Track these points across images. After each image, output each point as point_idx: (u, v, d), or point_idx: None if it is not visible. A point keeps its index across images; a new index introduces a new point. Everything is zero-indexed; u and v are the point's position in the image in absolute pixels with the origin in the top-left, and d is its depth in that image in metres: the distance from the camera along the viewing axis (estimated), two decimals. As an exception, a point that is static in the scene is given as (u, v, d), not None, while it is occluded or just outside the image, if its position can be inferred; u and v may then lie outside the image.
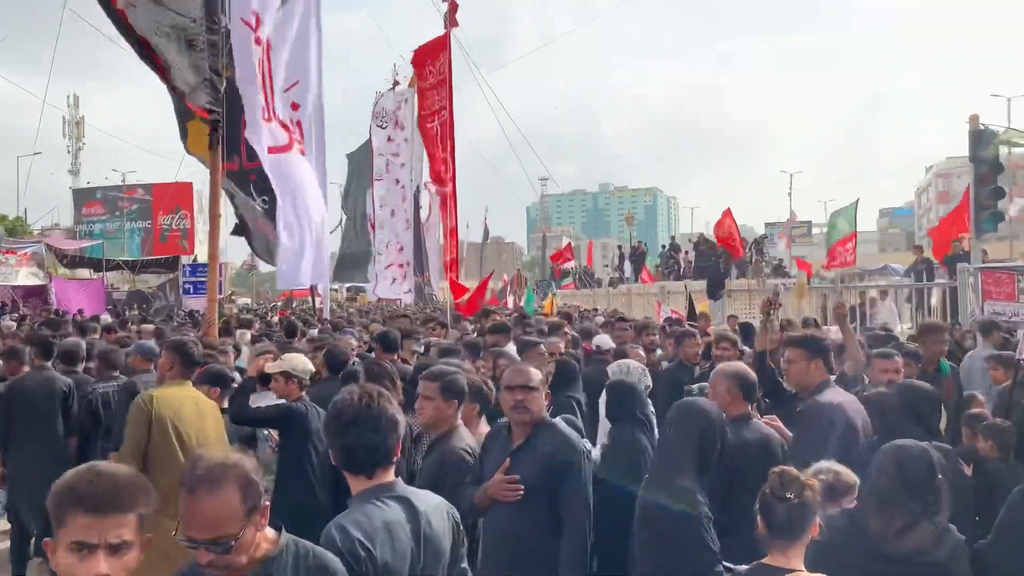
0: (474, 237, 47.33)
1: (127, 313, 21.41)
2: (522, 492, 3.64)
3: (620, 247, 42.48)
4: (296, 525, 2.51)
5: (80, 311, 21.56)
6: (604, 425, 5.48)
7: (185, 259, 31.16)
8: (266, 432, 5.98)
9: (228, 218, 12.33)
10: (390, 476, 2.73)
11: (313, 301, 19.44)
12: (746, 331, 9.43)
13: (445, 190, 15.60)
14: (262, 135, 8.64)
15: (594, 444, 5.21)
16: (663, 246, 34.30)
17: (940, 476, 3.12)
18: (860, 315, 13.17)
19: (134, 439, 4.59)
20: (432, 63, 16.50)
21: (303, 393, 5.33)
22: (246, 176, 11.41)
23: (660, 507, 3.43)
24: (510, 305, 26.71)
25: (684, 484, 3.43)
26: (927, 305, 13.76)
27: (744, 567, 2.91)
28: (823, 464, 3.36)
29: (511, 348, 7.39)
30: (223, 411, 5.29)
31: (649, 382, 5.93)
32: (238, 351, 8.53)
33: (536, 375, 3.90)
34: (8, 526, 6.90)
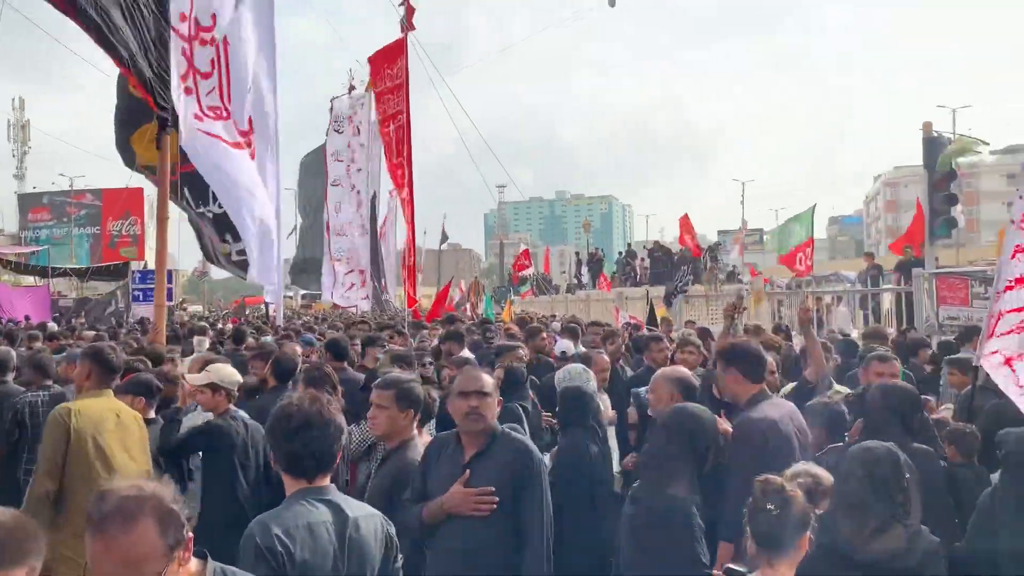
0: (431, 244, 47.11)
1: (74, 321, 20.82)
2: (496, 504, 3.44)
3: (577, 254, 42.58)
4: (224, 549, 2.40)
5: (27, 317, 20.98)
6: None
7: (135, 265, 30.48)
8: None
9: (176, 223, 12.05)
10: (326, 481, 2.78)
11: (266, 308, 19.09)
12: (703, 337, 9.38)
13: (402, 196, 15.43)
14: (215, 131, 8.52)
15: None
16: (620, 253, 34.50)
17: (908, 476, 3.09)
18: (816, 321, 13.27)
19: (50, 456, 4.26)
20: (389, 67, 16.34)
21: (231, 405, 5.04)
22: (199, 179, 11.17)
23: (651, 517, 3.31)
24: (468, 312, 26.58)
25: (676, 492, 3.32)
26: (879, 311, 13.93)
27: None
28: (800, 467, 3.29)
29: (466, 355, 7.26)
30: (148, 422, 4.97)
31: (594, 385, 5.82)
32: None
33: (490, 381, 3.72)
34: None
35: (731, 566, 2.88)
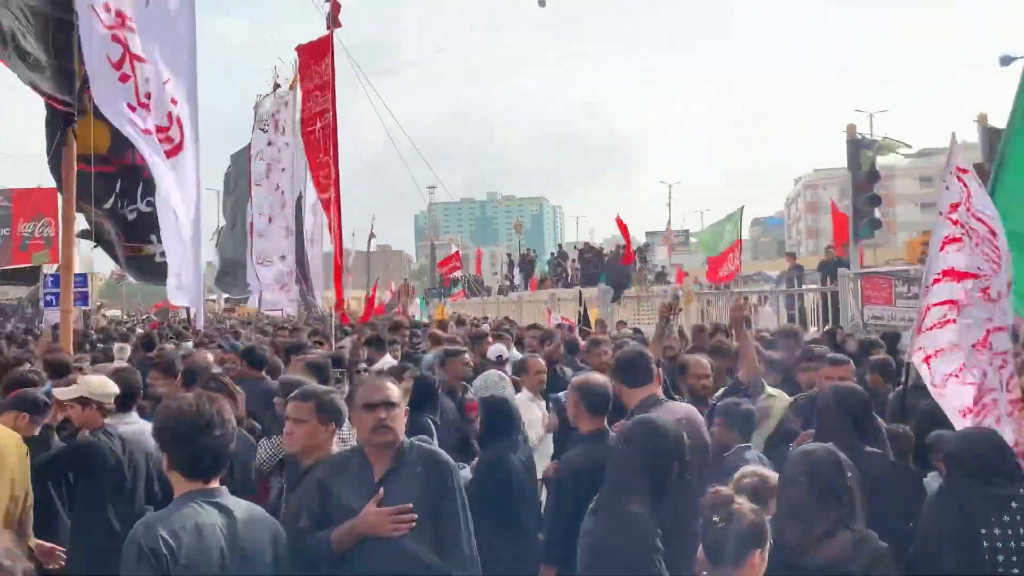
0: (360, 246, 46.48)
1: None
2: (415, 521, 3.20)
3: (509, 255, 42.53)
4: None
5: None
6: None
7: (47, 269, 29.13)
8: None
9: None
10: (217, 483, 2.78)
11: (188, 312, 18.43)
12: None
13: (327, 196, 15.11)
14: (126, 125, 8.20)
15: None
16: (552, 254, 34.55)
17: (849, 475, 3.04)
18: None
19: None
20: (317, 64, 16.00)
21: (106, 420, 4.63)
22: (116, 177, 10.67)
23: (609, 532, 3.14)
24: (401, 314, 26.24)
25: (634, 509, 3.15)
26: (804, 310, 14.19)
27: None
28: (748, 468, 3.21)
29: (387, 360, 7.05)
30: (29, 441, 4.43)
31: (512, 391, 5.64)
32: None
33: (396, 390, 3.46)
34: None
35: None
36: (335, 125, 15.41)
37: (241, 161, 24.27)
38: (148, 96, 8.61)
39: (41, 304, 24.38)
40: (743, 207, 13.26)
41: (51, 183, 11.26)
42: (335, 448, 3.73)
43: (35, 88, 7.78)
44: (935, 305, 4.64)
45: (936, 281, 4.66)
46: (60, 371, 6.04)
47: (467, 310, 30.35)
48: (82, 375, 4.93)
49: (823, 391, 4.63)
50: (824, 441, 3.39)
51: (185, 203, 9.21)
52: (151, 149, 8.56)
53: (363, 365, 6.69)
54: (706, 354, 6.32)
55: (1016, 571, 3.29)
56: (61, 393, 4.65)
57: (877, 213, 12.01)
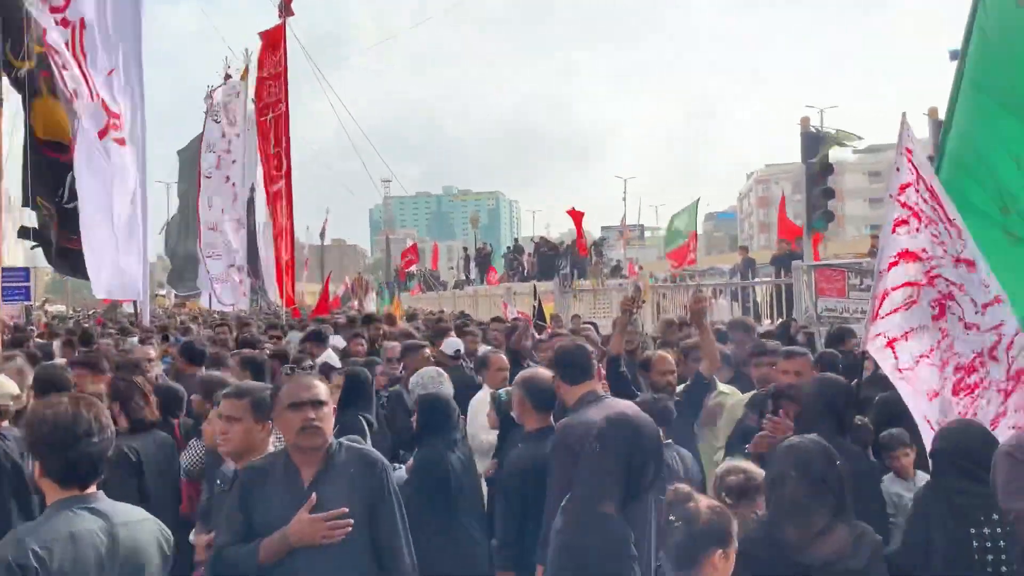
0: (315, 239, 45.79)
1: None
2: (351, 526, 3.03)
3: (465, 249, 42.36)
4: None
5: None
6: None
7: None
8: None
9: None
10: (94, 488, 2.65)
11: (136, 307, 17.97)
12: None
13: (277, 187, 14.84)
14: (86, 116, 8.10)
15: None
16: (508, 248, 34.49)
17: (838, 463, 3.01)
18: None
19: None
20: (273, 53, 15.75)
21: (4, 423, 4.36)
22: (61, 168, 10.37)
23: (578, 533, 3.03)
24: (356, 308, 25.95)
25: (605, 511, 3.04)
26: (754, 303, 14.30)
27: None
28: (732, 464, 3.14)
29: (330, 356, 6.85)
30: None
31: (449, 388, 5.50)
32: None
33: (324, 387, 3.25)
34: None
35: None
36: (287, 116, 15.18)
37: (186, 154, 23.78)
38: (86, 83, 8.47)
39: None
40: (698, 200, 13.35)
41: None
42: (271, 448, 3.53)
43: None
44: (895, 288, 4.46)
45: (893, 264, 4.49)
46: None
47: (422, 304, 30.14)
48: None
49: (795, 383, 4.55)
50: (806, 432, 3.32)
51: (122, 195, 9.02)
52: (83, 138, 8.42)
53: (309, 362, 6.43)
54: (672, 349, 6.24)
55: (1005, 570, 3.24)
56: None
57: (830, 206, 12.16)
